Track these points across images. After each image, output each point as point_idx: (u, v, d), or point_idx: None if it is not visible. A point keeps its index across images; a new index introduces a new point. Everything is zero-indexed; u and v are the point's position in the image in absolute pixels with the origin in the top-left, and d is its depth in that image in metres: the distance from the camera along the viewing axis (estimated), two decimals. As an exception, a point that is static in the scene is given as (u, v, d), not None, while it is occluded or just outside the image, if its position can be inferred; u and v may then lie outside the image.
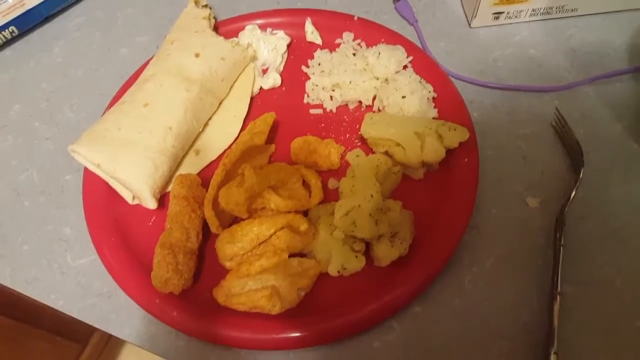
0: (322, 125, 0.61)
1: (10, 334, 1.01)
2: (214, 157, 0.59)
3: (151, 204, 0.53)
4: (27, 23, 0.71)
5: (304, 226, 0.49)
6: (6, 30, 0.69)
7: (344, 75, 0.60)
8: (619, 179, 0.55)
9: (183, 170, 0.58)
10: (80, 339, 1.22)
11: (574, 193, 0.52)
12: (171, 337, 0.50)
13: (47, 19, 0.74)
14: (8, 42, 0.72)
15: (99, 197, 0.55)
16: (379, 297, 0.48)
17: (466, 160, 0.54)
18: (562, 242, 0.50)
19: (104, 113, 0.60)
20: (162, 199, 0.56)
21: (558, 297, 0.47)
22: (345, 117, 0.61)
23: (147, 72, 0.58)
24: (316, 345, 0.48)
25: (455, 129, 0.52)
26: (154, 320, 0.50)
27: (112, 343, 1.35)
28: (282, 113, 0.60)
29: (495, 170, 0.56)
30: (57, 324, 1.12)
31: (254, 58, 0.65)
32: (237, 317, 0.48)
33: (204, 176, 0.56)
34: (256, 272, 0.47)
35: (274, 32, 0.67)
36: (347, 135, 0.60)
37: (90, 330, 1.24)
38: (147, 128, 0.54)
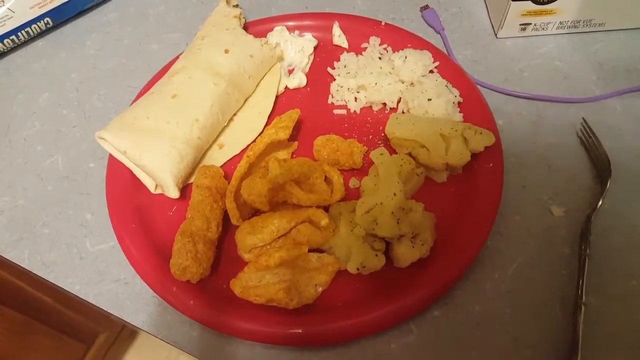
0: (346, 125, 0.61)
1: (16, 328, 1.01)
2: (236, 151, 0.59)
3: (174, 193, 0.53)
4: (62, 15, 0.73)
5: (324, 221, 0.49)
6: (41, 22, 0.71)
7: (370, 77, 0.60)
8: (645, 193, 0.54)
9: (206, 162, 0.58)
10: (85, 339, 1.21)
11: (600, 203, 0.52)
12: (185, 327, 0.49)
13: (82, 13, 0.76)
14: (42, 33, 0.74)
15: (122, 184, 0.56)
16: (398, 298, 0.47)
17: (491, 165, 0.53)
18: (588, 252, 0.49)
19: (131, 104, 0.61)
20: (184, 190, 0.56)
21: (582, 307, 0.46)
22: (368, 118, 0.61)
23: (177, 65, 0.59)
24: (332, 344, 0.47)
25: (481, 133, 0.52)
26: (170, 309, 0.50)
27: (116, 346, 1.34)
28: (306, 112, 0.61)
29: (519, 178, 0.56)
30: (63, 322, 1.11)
31: (280, 58, 0.66)
32: (252, 310, 0.47)
33: (226, 170, 0.57)
34: (275, 264, 0.46)
35: (301, 34, 0.68)
36: (370, 136, 0.60)
37: (95, 331, 1.23)
38: (174, 118, 0.54)
